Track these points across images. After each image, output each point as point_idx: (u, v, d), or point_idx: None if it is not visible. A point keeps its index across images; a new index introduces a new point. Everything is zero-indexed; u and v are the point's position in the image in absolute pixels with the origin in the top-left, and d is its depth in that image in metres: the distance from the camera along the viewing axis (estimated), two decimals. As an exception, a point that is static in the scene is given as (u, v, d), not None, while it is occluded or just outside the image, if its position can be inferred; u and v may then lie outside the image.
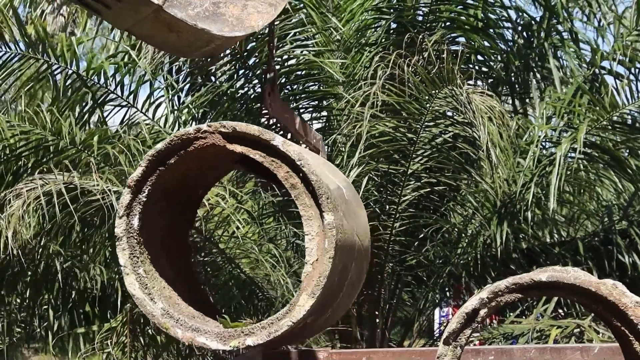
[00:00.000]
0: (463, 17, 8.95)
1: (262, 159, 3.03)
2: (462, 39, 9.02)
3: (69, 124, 8.58)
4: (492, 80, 9.12)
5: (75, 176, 7.74)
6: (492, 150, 7.06)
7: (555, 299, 7.67)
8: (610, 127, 7.87)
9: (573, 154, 7.65)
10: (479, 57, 9.11)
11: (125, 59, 9.12)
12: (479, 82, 9.02)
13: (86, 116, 9.23)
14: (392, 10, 8.84)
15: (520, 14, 9.08)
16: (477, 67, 9.09)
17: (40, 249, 9.02)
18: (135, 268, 3.12)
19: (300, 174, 2.98)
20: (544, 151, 8.37)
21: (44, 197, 7.47)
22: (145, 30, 3.17)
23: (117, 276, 9.29)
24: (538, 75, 9.01)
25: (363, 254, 3.43)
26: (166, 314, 3.05)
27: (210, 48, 3.30)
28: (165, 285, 3.20)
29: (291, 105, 8.51)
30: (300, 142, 4.00)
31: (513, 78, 9.13)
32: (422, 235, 8.74)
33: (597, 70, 8.53)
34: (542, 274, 2.75)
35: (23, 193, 7.56)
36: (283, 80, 8.59)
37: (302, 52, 8.55)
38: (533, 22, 9.00)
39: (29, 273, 9.29)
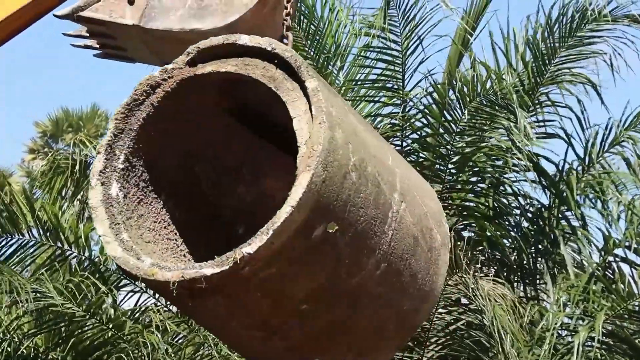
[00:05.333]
0: (473, 204, 9.03)
1: (235, 67, 2.67)
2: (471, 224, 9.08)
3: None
4: (504, 266, 9.08)
5: None
6: (505, 339, 6.94)
7: None
8: (627, 316, 7.76)
9: (590, 343, 7.50)
10: (490, 244, 9.11)
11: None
12: (491, 269, 8.99)
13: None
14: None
15: (530, 200, 9.14)
16: (488, 253, 9.08)
17: None
18: (118, 235, 2.72)
19: (276, 60, 2.65)
20: (561, 339, 8.22)
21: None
22: (167, 55, 2.98)
23: None
24: (550, 262, 8.97)
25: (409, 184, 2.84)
26: (155, 266, 2.62)
27: None
28: (156, 252, 2.79)
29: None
30: None
31: (525, 264, 9.09)
32: None
33: (610, 258, 8.49)
34: None
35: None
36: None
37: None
38: (543, 209, 9.05)
39: None
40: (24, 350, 8.94)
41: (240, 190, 3.14)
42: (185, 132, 2.92)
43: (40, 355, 9.15)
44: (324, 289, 2.64)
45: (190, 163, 3.03)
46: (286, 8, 3.10)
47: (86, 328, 8.73)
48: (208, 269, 2.47)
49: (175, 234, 2.93)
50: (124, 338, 8.64)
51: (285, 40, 3.02)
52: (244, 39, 2.66)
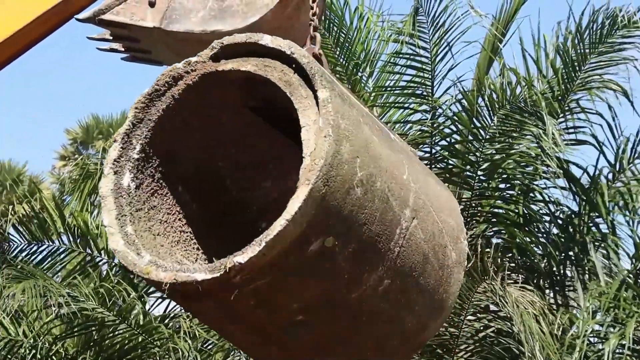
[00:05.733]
0: (503, 211, 9.01)
1: (254, 67, 2.61)
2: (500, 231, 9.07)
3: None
4: (533, 273, 9.06)
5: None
6: (534, 345, 6.92)
7: None
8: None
9: (621, 350, 7.47)
10: (520, 251, 9.09)
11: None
12: (520, 276, 8.96)
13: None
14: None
15: (560, 207, 9.10)
16: (518, 260, 9.05)
17: None
18: (123, 227, 2.65)
19: (293, 65, 2.58)
20: (592, 346, 8.17)
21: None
22: (191, 57, 2.94)
23: None
24: (580, 269, 8.93)
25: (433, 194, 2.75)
26: (152, 263, 2.56)
27: None
28: (164, 245, 2.73)
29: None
30: None
31: (555, 271, 9.06)
32: None
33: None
34: None
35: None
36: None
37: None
38: (573, 215, 9.01)
39: None
40: (54, 356, 9.03)
41: (266, 185, 3.08)
42: (206, 127, 2.87)
43: (70, 359, 9.24)
44: (320, 301, 2.59)
45: (211, 157, 2.97)
46: (312, 8, 3.02)
47: (117, 333, 8.80)
48: (200, 274, 2.44)
49: (189, 227, 2.88)
50: (154, 343, 8.70)
51: (310, 42, 2.96)
52: (266, 39, 2.62)
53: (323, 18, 9.03)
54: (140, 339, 8.84)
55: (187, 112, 2.76)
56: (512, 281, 8.20)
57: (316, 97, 2.52)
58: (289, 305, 2.58)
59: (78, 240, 9.25)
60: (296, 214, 2.37)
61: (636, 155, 8.86)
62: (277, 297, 2.54)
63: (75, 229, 9.28)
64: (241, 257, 2.38)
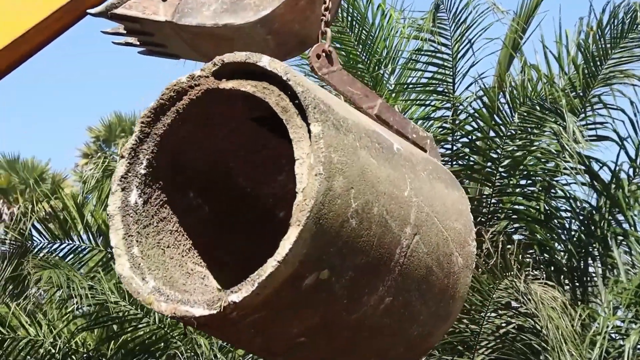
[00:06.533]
0: (524, 207, 9.02)
1: (253, 89, 2.57)
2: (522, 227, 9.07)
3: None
4: (554, 269, 9.06)
5: None
6: (557, 342, 6.93)
7: None
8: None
9: (642, 346, 7.47)
10: (541, 247, 9.09)
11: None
12: (541, 272, 8.97)
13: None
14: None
15: (581, 203, 9.10)
16: (539, 257, 9.06)
17: None
18: (129, 249, 2.66)
19: (289, 92, 2.54)
20: (613, 342, 8.17)
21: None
22: (205, 51, 2.93)
23: None
24: (601, 265, 8.93)
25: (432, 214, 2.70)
26: (156, 291, 2.58)
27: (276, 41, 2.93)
28: (174, 257, 2.73)
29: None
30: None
31: (576, 267, 9.06)
32: None
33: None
34: None
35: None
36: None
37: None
38: (594, 211, 9.01)
39: None
40: (74, 352, 9.14)
41: (281, 178, 3.07)
42: (213, 136, 2.87)
43: (90, 351, 9.34)
44: (320, 326, 2.60)
45: (220, 160, 2.97)
46: (325, 2, 2.97)
47: (139, 327, 8.89)
48: (198, 309, 2.48)
49: (202, 228, 2.89)
50: (176, 338, 8.78)
51: (322, 38, 2.94)
52: (264, 61, 2.57)
53: (346, 15, 9.09)
54: (162, 333, 8.92)
55: (193, 124, 2.76)
56: (533, 277, 8.21)
57: (307, 124, 2.48)
58: (288, 332, 2.60)
59: (100, 239, 9.35)
60: (287, 255, 2.37)
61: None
62: (275, 327, 2.57)
63: (96, 227, 9.37)
64: (236, 295, 2.41)
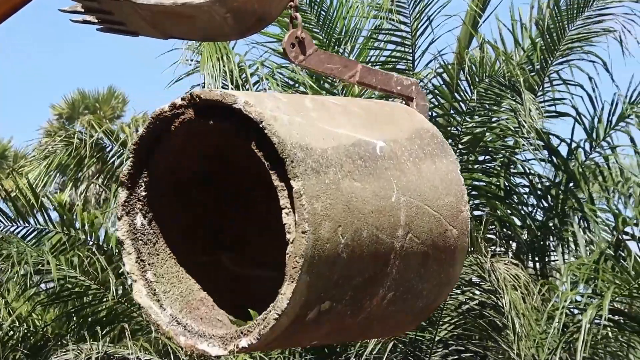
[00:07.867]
0: (484, 184, 9.11)
1: (233, 127, 2.60)
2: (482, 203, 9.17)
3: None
4: (514, 245, 9.17)
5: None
6: (516, 319, 7.04)
7: None
8: (637, 294, 7.83)
9: (599, 321, 7.59)
10: (501, 223, 9.19)
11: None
12: (501, 248, 9.08)
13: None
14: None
15: (540, 179, 9.20)
16: (499, 232, 9.16)
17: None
18: (144, 273, 2.76)
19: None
20: (572, 317, 8.31)
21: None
22: (168, 29, 2.92)
23: None
24: (560, 240, 9.05)
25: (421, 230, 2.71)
26: (173, 321, 2.70)
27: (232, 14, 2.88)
28: (188, 282, 2.83)
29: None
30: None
31: (535, 241, 9.18)
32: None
33: (620, 237, 8.56)
34: None
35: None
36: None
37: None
38: (552, 187, 9.11)
39: None
40: (32, 328, 9.16)
41: None
42: (205, 145, 2.87)
43: (50, 332, 9.36)
44: (329, 333, 2.73)
45: (221, 161, 2.98)
46: None
47: (102, 302, 8.91)
48: (214, 348, 2.62)
49: (210, 225, 2.94)
50: (138, 313, 8.77)
51: (292, 24, 2.91)
52: (240, 102, 2.56)
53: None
54: (123, 308, 8.97)
55: (182, 139, 2.78)
56: (494, 254, 8.31)
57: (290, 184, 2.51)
58: (299, 345, 2.89)
59: (58, 221, 9.34)
60: (286, 309, 2.49)
61: (612, 125, 8.97)
62: (286, 346, 2.85)
63: (51, 210, 9.39)
64: (245, 341, 2.55)
